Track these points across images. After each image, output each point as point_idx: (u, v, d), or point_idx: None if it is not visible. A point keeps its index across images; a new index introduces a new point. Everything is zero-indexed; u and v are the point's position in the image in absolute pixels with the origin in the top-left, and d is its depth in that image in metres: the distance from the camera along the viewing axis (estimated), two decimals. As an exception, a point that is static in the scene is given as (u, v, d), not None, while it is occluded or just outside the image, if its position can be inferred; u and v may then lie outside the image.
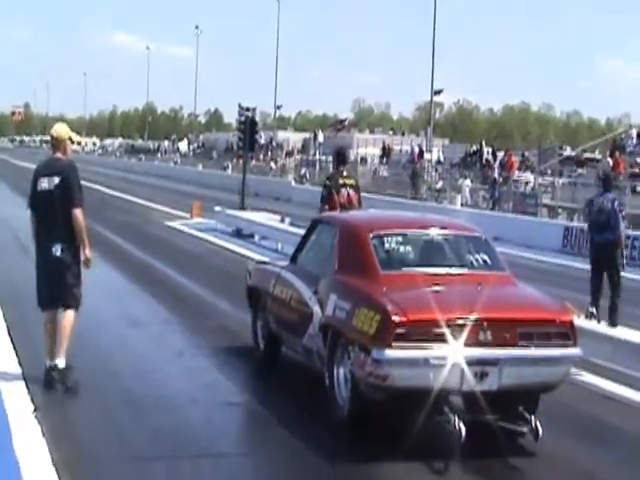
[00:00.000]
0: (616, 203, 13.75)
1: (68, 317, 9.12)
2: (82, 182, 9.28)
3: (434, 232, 8.97)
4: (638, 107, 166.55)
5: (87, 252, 9.10)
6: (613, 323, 12.91)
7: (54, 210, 9.07)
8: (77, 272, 9.19)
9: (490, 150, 45.92)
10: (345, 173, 13.87)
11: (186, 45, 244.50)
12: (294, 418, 8.51)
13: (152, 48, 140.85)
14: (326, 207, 13.14)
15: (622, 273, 13.55)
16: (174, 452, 7.55)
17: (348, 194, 13.34)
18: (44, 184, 9.17)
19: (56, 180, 9.10)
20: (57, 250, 9.04)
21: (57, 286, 9.12)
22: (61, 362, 9.01)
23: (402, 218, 10.29)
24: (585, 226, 24.93)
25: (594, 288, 13.67)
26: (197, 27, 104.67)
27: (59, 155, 9.34)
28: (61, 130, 9.46)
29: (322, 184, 14.25)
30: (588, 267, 19.82)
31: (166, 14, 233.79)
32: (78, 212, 9.06)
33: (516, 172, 39.87)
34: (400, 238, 8.82)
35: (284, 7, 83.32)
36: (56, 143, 9.36)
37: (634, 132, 42.21)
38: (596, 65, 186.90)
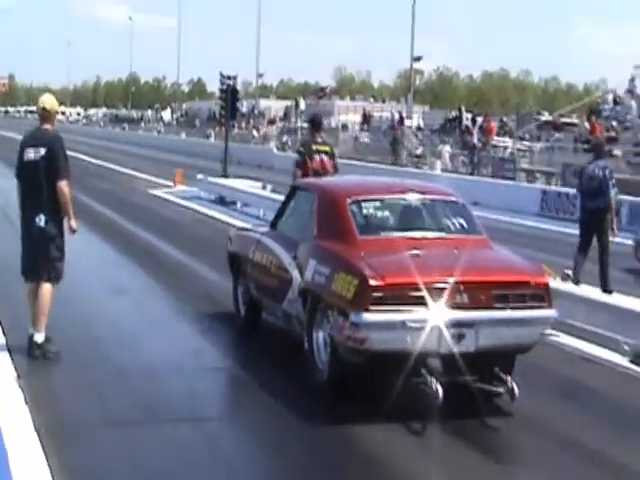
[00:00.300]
0: (607, 170, 13.63)
1: (46, 291, 9.03)
2: (67, 152, 9.19)
3: (412, 197, 8.92)
4: (614, 73, 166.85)
5: (72, 223, 9.03)
6: (607, 287, 12.89)
7: (39, 181, 8.98)
8: (61, 245, 9.11)
9: (469, 116, 45.79)
10: (319, 140, 13.86)
11: (169, 15, 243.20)
12: (275, 382, 8.50)
13: (135, 19, 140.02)
14: (299, 172, 13.17)
15: (610, 238, 13.50)
16: (156, 417, 7.54)
17: (322, 160, 13.33)
18: (30, 154, 9.07)
19: (42, 151, 9.00)
20: (41, 220, 8.96)
21: (39, 257, 9.04)
22: (39, 337, 8.94)
23: (380, 184, 10.25)
24: (569, 191, 25.26)
25: (580, 253, 13.57)
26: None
27: (46, 126, 9.21)
28: (53, 102, 9.34)
29: (296, 150, 14.25)
30: (565, 230, 19.92)
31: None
32: (63, 184, 8.96)
33: (495, 137, 39.84)
34: (378, 203, 8.79)
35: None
36: (47, 115, 9.21)
37: (610, 97, 42.20)
38: (574, 32, 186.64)
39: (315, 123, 14.41)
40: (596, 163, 13.82)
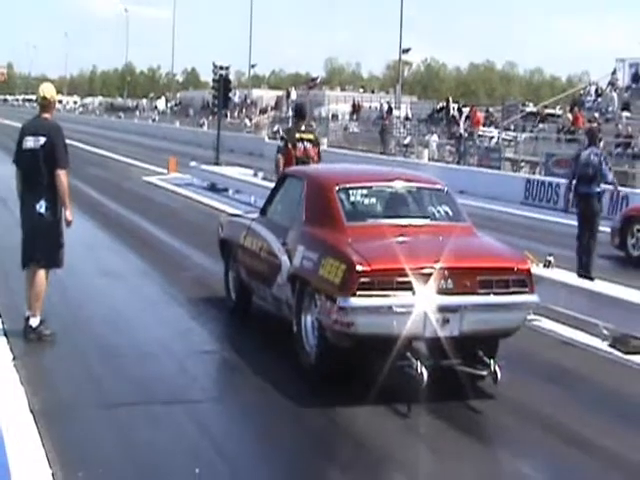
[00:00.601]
0: (602, 157, 13.70)
1: (41, 276, 9.01)
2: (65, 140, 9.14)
3: (398, 185, 8.92)
4: (596, 66, 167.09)
5: (68, 214, 8.97)
6: (589, 273, 12.86)
7: (39, 169, 8.92)
8: (60, 231, 9.06)
9: (456, 107, 45.80)
10: (303, 128, 13.83)
11: (164, 7, 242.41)
12: (264, 365, 8.49)
13: (131, 10, 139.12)
14: (281, 159, 13.20)
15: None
16: (148, 398, 7.52)
17: (305, 148, 13.30)
18: (29, 143, 9.00)
19: (42, 140, 8.93)
20: (41, 207, 8.91)
21: (39, 243, 8.99)
22: (34, 321, 8.94)
23: (367, 172, 10.24)
24: (553, 180, 25.29)
25: (582, 243, 13.54)
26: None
27: (46, 115, 9.14)
28: (52, 91, 9.24)
29: (279, 137, 14.29)
30: (547, 218, 19.96)
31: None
32: (62, 173, 8.91)
33: (481, 128, 39.84)
34: (365, 191, 8.79)
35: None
36: (47, 104, 9.14)
37: (592, 89, 42.21)
38: (558, 25, 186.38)
39: (299, 111, 14.42)
40: (591, 150, 13.78)
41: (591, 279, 12.31)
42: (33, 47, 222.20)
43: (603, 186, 13.72)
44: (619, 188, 14.78)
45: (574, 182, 13.65)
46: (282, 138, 13.85)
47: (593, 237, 13.55)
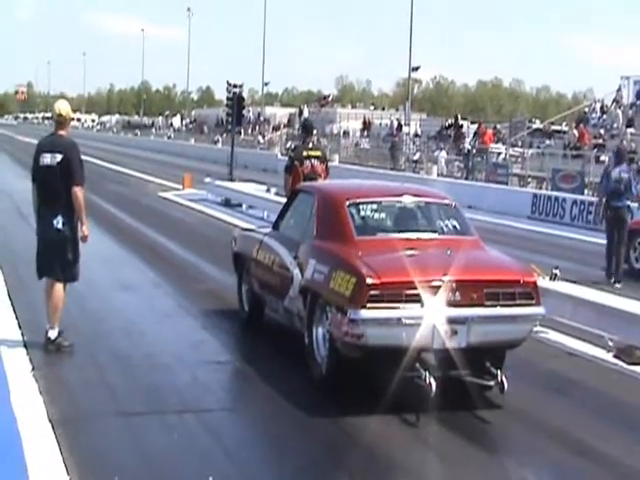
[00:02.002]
0: (631, 173, 14.81)
1: (59, 289, 9.04)
2: (81, 155, 9.16)
3: (407, 200, 8.93)
4: (601, 82, 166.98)
5: (85, 229, 8.99)
6: (617, 277, 14.37)
7: (55, 185, 8.93)
8: (76, 246, 9.07)
9: (465, 124, 45.83)
10: (310, 145, 13.78)
11: (179, 26, 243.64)
12: (276, 375, 8.50)
13: (147, 30, 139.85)
14: (288, 178, 13.17)
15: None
16: (162, 408, 7.54)
17: (312, 165, 13.24)
18: (46, 160, 8.99)
19: (58, 157, 8.93)
20: (58, 223, 8.92)
21: (56, 258, 9.00)
22: (53, 333, 8.97)
23: (376, 187, 10.25)
24: (559, 195, 25.35)
25: (611, 254, 14.69)
26: (189, 9, 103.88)
27: (62, 132, 9.13)
28: (68, 108, 9.23)
29: (287, 155, 14.26)
30: (554, 232, 20.04)
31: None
32: (79, 190, 8.92)
33: (490, 144, 39.82)
34: (374, 206, 8.80)
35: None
36: (63, 121, 9.12)
37: (597, 106, 42.16)
38: (564, 44, 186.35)
39: (306, 128, 14.40)
40: (621, 167, 14.81)
41: (619, 282, 14.18)
42: (50, 65, 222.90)
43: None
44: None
45: (603, 198, 14.80)
46: (289, 156, 13.79)
47: (623, 243, 14.75)
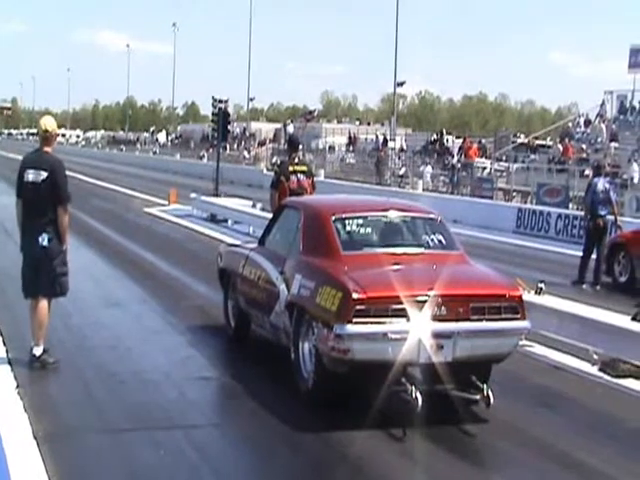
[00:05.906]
0: (612, 185, 16.86)
1: (43, 306, 9.00)
2: (66, 172, 9.12)
3: (392, 215, 8.96)
4: (584, 97, 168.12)
5: (64, 247, 8.98)
6: (598, 280, 15.51)
7: (41, 202, 8.87)
8: (64, 260, 9.04)
9: (450, 138, 46.00)
10: (296, 160, 13.74)
11: (165, 42, 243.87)
12: (262, 391, 8.49)
13: (132, 45, 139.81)
14: (275, 193, 13.14)
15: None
16: (148, 424, 7.53)
17: (298, 180, 13.25)
18: (30, 176, 8.93)
19: (43, 175, 8.87)
20: (44, 240, 8.87)
21: (42, 275, 8.96)
22: (38, 350, 8.92)
23: (362, 202, 10.29)
24: (544, 209, 25.59)
25: (585, 262, 15.79)
26: (174, 25, 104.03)
27: (47, 149, 9.05)
28: (53, 123, 9.15)
29: (273, 171, 14.25)
30: (538, 246, 20.34)
31: (145, 13, 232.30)
32: (63, 209, 8.89)
33: (475, 158, 39.97)
34: (360, 221, 8.82)
35: (257, 4, 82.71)
36: (48, 137, 9.03)
37: (581, 120, 42.44)
38: (548, 59, 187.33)
39: (292, 143, 14.40)
40: (600, 179, 16.20)
41: (597, 284, 15.39)
42: (35, 81, 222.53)
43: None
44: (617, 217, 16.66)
45: (588, 207, 15.98)
46: (275, 172, 13.77)
47: (603, 246, 15.95)
